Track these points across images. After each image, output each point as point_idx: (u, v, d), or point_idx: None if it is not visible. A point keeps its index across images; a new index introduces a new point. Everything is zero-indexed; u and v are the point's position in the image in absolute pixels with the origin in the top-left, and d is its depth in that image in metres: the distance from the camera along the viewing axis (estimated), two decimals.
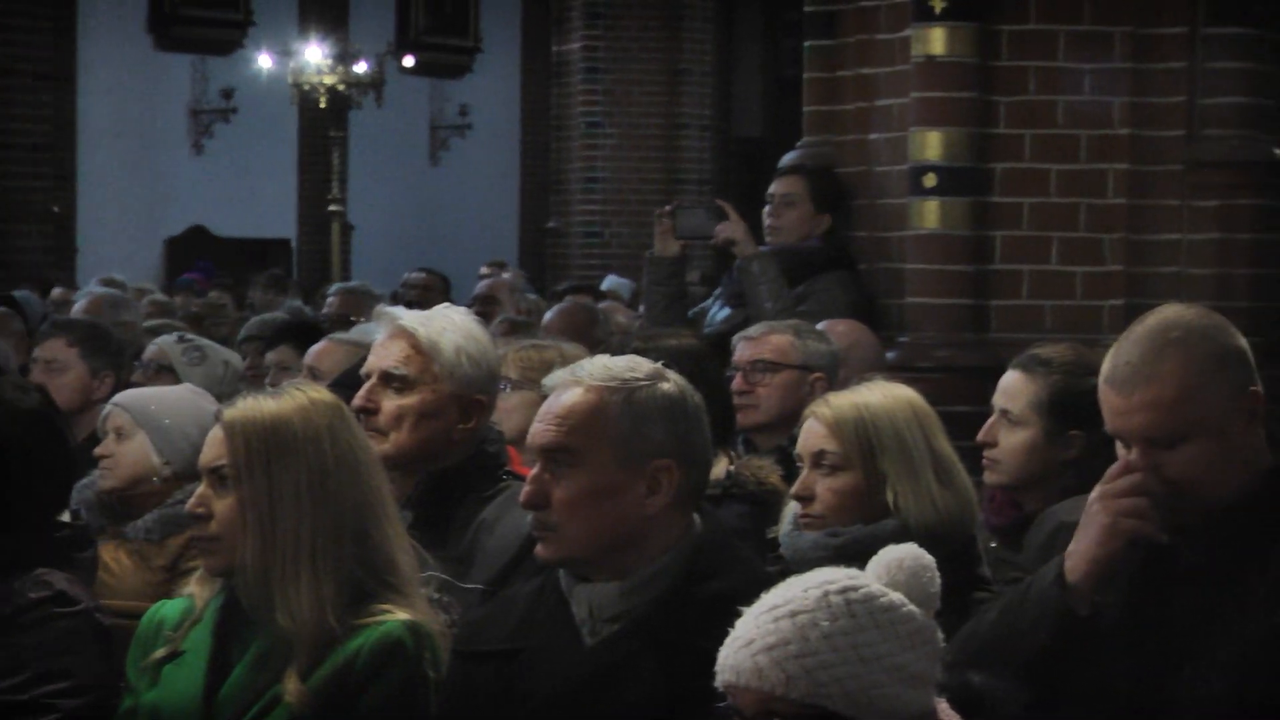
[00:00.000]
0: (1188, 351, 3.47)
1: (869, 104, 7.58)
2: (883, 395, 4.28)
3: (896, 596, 2.94)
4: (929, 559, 3.01)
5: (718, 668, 2.93)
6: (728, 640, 2.93)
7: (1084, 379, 4.67)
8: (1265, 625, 3.43)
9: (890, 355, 6.97)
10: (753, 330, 6.00)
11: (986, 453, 4.74)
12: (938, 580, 3.01)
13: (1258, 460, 3.52)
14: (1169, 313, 3.56)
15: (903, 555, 2.99)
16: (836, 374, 5.82)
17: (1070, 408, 4.66)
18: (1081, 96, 7.22)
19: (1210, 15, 7.22)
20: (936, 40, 7.16)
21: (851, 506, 4.21)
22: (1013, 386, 4.75)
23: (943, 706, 3.03)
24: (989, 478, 4.76)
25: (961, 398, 5.79)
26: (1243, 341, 3.56)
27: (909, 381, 4.51)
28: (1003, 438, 4.74)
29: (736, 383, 5.79)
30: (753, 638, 2.89)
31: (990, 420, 4.78)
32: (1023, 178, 7.26)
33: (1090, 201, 7.24)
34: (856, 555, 3.28)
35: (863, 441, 4.21)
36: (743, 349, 5.89)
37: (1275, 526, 3.49)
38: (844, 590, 2.91)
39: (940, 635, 2.99)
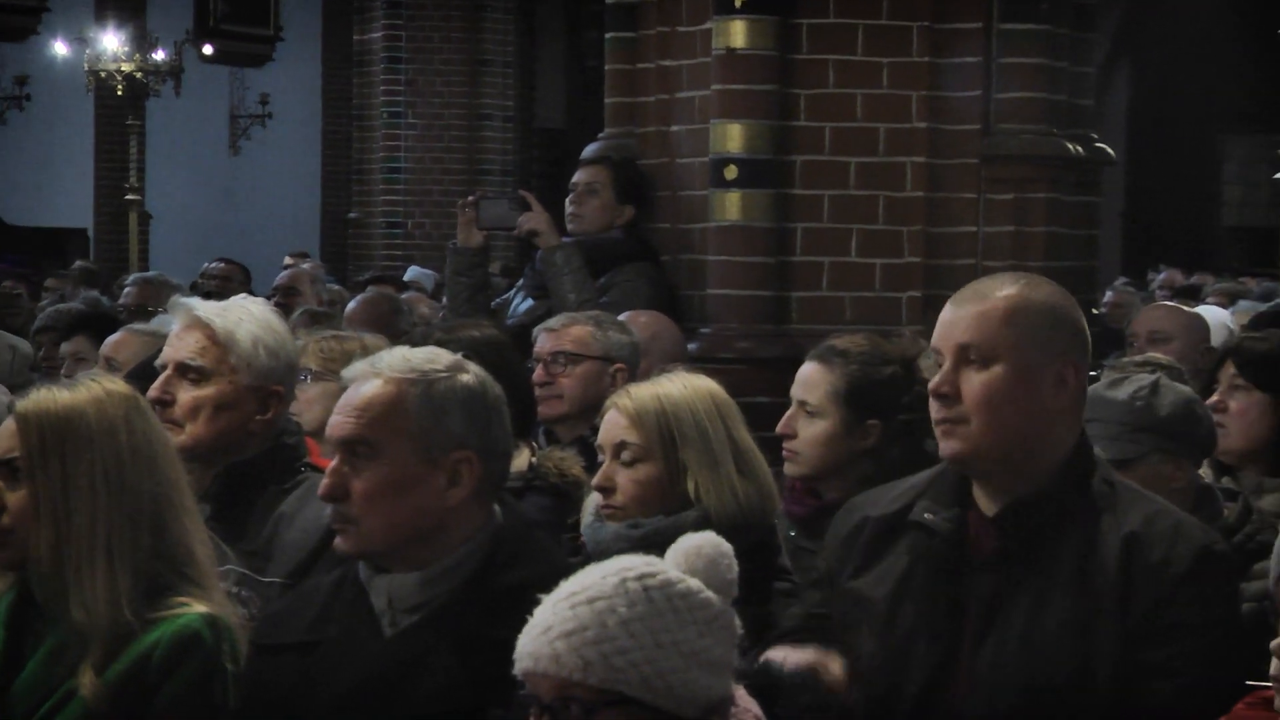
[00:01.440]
0: (1031, 292, 3.60)
1: (670, 96, 7.60)
2: (683, 386, 4.30)
3: (694, 583, 2.96)
4: (727, 546, 3.03)
5: (516, 655, 2.93)
6: (526, 628, 2.93)
7: (880, 368, 4.73)
8: (1064, 609, 3.50)
9: (691, 347, 7.00)
10: (554, 321, 6.00)
11: (786, 444, 4.78)
12: (735, 567, 3.03)
13: (1057, 447, 3.60)
14: (1037, 276, 3.69)
15: (700, 543, 3.01)
16: (638, 365, 5.84)
17: (867, 397, 4.71)
18: (880, 90, 7.29)
19: (1005, 11, 7.32)
20: (737, 33, 7.20)
21: (652, 497, 4.22)
22: (810, 378, 4.78)
23: (740, 693, 3.05)
24: (789, 469, 4.79)
25: (762, 389, 5.82)
26: (1086, 328, 3.66)
27: (710, 373, 4.54)
28: (801, 429, 4.77)
29: (538, 374, 5.78)
30: (550, 624, 2.90)
31: (789, 412, 4.81)
32: (822, 170, 7.31)
33: (889, 194, 7.30)
34: (657, 546, 3.29)
35: (663, 432, 4.23)
36: (544, 340, 5.89)
37: (1073, 512, 3.56)
38: (642, 577, 2.93)
39: (738, 622, 3.02)
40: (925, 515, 3.65)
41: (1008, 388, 3.54)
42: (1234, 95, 22.65)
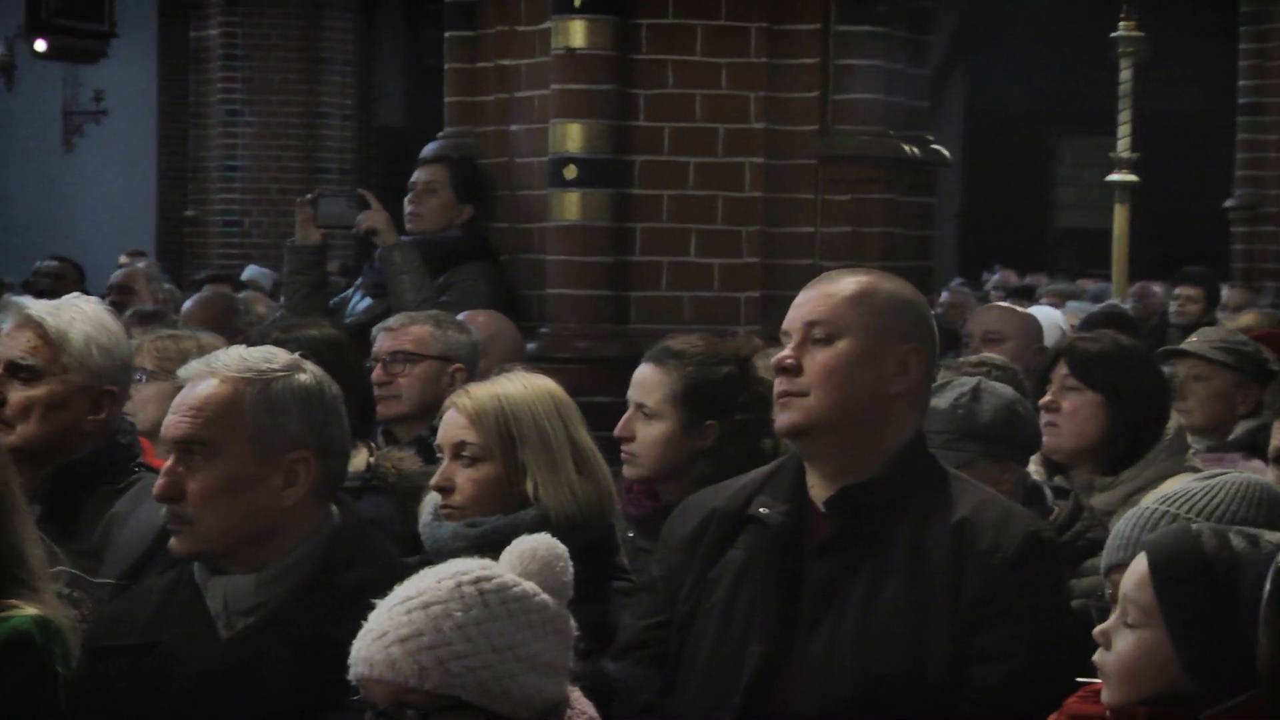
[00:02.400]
0: (882, 282, 3.70)
1: (509, 95, 7.59)
2: (523, 386, 4.30)
3: (529, 586, 2.95)
4: (561, 549, 3.03)
5: (351, 661, 2.91)
6: (361, 633, 2.92)
7: (717, 368, 4.74)
8: (897, 595, 3.54)
9: (531, 346, 6.99)
10: (393, 321, 5.97)
11: (625, 446, 4.78)
12: (570, 570, 3.04)
13: (893, 435, 3.64)
14: (893, 274, 3.79)
15: (535, 545, 3.01)
16: (477, 365, 5.82)
17: (705, 398, 4.72)
18: (718, 91, 7.31)
19: (842, 13, 7.36)
20: (576, 33, 7.20)
21: (491, 497, 4.22)
22: (647, 380, 4.79)
23: (576, 695, 3.05)
24: (628, 471, 4.80)
25: (601, 388, 5.83)
26: (933, 324, 3.73)
27: (549, 372, 4.53)
28: (640, 431, 4.77)
29: (376, 374, 5.76)
30: (386, 630, 2.89)
31: (627, 415, 4.81)
32: (662, 170, 7.32)
33: (727, 194, 7.33)
34: (496, 545, 3.29)
35: (502, 432, 4.22)
36: (383, 340, 5.86)
37: (904, 500, 3.61)
38: (477, 581, 2.92)
39: (573, 624, 3.02)
40: (761, 509, 3.69)
41: (849, 364, 3.60)
42: (1067, 98, 22.95)
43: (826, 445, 3.65)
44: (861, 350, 3.61)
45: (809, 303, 3.67)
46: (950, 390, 4.58)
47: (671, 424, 4.75)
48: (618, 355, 6.77)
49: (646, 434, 4.77)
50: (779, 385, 3.65)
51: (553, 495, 4.19)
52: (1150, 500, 3.38)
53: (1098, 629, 3.10)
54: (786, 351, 3.64)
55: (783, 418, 3.64)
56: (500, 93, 7.63)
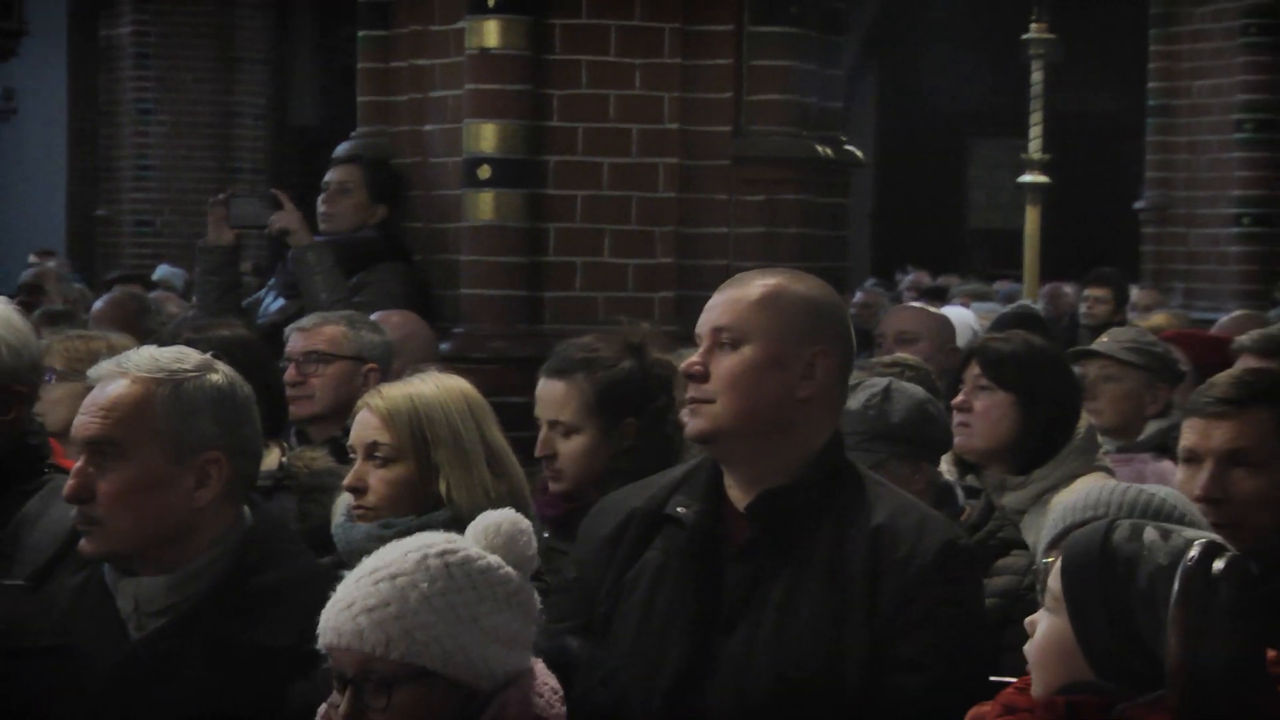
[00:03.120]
0: (792, 284, 3.70)
1: (424, 95, 7.57)
2: (436, 386, 4.29)
3: (494, 559, 3.03)
4: (526, 523, 3.11)
5: (319, 630, 2.99)
6: (329, 603, 2.99)
7: (621, 366, 4.74)
8: (815, 601, 3.54)
9: (444, 346, 6.98)
10: (306, 321, 5.95)
11: (548, 466, 4.75)
12: (534, 544, 3.10)
13: (808, 439, 3.65)
14: (808, 274, 3.78)
15: (500, 519, 3.08)
16: (390, 365, 5.81)
17: (619, 399, 4.72)
18: (632, 91, 7.32)
19: (755, 14, 7.38)
20: (490, 33, 7.19)
21: (404, 498, 4.21)
22: (556, 396, 4.75)
23: (540, 667, 3.10)
24: (556, 487, 4.75)
25: (515, 389, 5.81)
26: (848, 324, 3.73)
27: (463, 373, 4.53)
28: (561, 448, 4.74)
29: (289, 373, 5.73)
30: (353, 600, 2.95)
31: (543, 435, 4.77)
32: (576, 170, 7.32)
33: (641, 195, 7.34)
34: None
35: (415, 433, 4.21)
36: (296, 340, 5.84)
37: (824, 505, 3.62)
38: (443, 554, 3.01)
39: (537, 597, 3.06)
40: (678, 509, 3.69)
41: (755, 370, 3.60)
42: (979, 100, 23.07)
43: (737, 450, 3.66)
44: (766, 355, 3.61)
45: (717, 308, 3.67)
46: (861, 391, 4.59)
47: (592, 433, 4.74)
48: (532, 355, 6.74)
49: (569, 449, 4.75)
50: (689, 391, 3.65)
51: (466, 496, 4.18)
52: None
53: (1028, 619, 3.13)
54: (695, 358, 3.65)
55: (691, 425, 3.65)
56: (414, 92, 7.61)
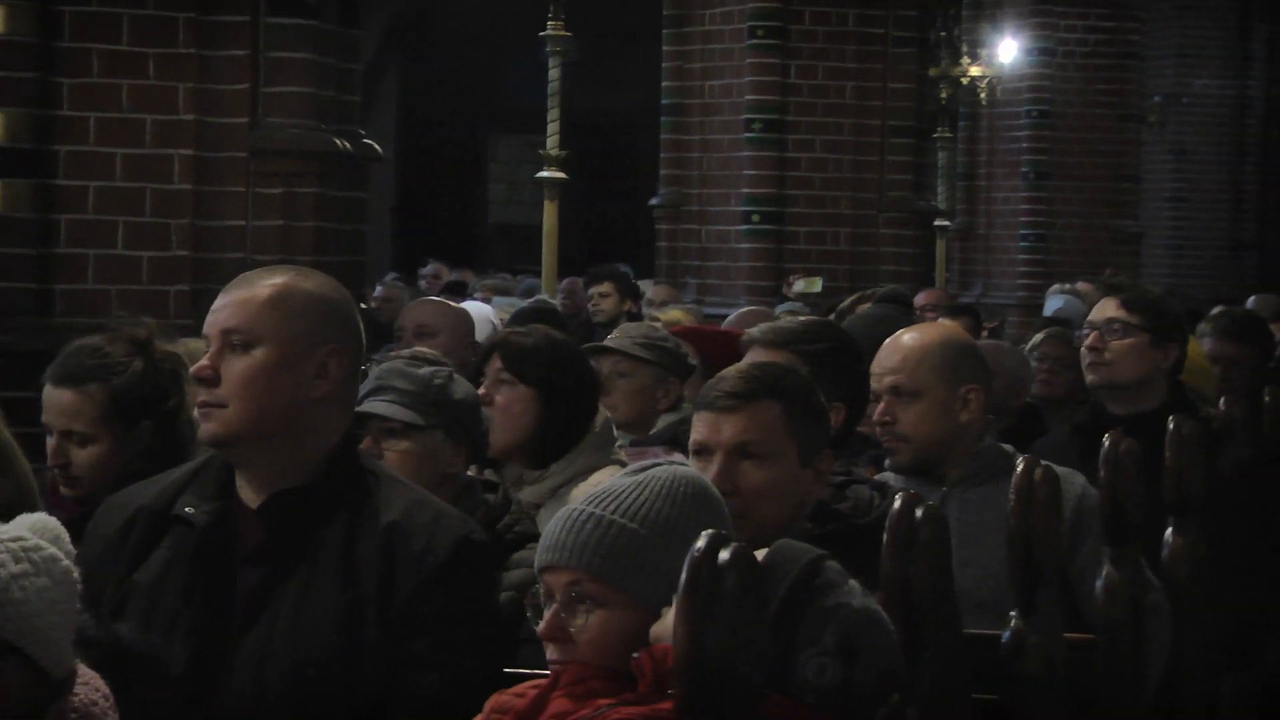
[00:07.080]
0: (300, 282, 3.68)
1: None
2: None
3: (56, 550, 2.95)
4: (55, 520, 3.01)
5: None
6: None
7: (131, 368, 4.59)
8: (329, 599, 3.53)
9: None
10: None
11: (61, 473, 4.59)
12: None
13: (321, 439, 3.65)
14: (312, 270, 3.79)
15: (40, 517, 3.03)
16: None
17: (134, 402, 4.54)
18: (147, 81, 7.20)
19: (271, 6, 7.34)
20: None
21: None
22: (67, 405, 4.53)
23: (81, 667, 3.03)
24: (70, 493, 4.59)
25: (23, 383, 5.64)
26: (357, 320, 3.74)
27: None
28: (75, 456, 4.49)
29: None
30: None
31: (55, 443, 4.57)
32: (88, 161, 7.18)
33: (156, 186, 7.23)
34: None
35: None
36: None
37: (337, 503, 3.61)
38: (17, 539, 2.93)
39: (78, 581, 2.99)
40: (187, 509, 3.64)
41: (266, 372, 3.58)
42: (499, 96, 23.26)
43: (251, 453, 3.62)
44: (279, 358, 3.59)
45: (225, 309, 3.63)
46: (429, 367, 4.69)
47: (108, 441, 4.58)
48: (41, 349, 6.55)
49: (84, 458, 4.58)
50: (200, 395, 3.61)
51: None
52: (580, 501, 3.43)
53: (544, 628, 3.19)
54: (204, 361, 3.60)
55: (204, 429, 3.61)
56: None
